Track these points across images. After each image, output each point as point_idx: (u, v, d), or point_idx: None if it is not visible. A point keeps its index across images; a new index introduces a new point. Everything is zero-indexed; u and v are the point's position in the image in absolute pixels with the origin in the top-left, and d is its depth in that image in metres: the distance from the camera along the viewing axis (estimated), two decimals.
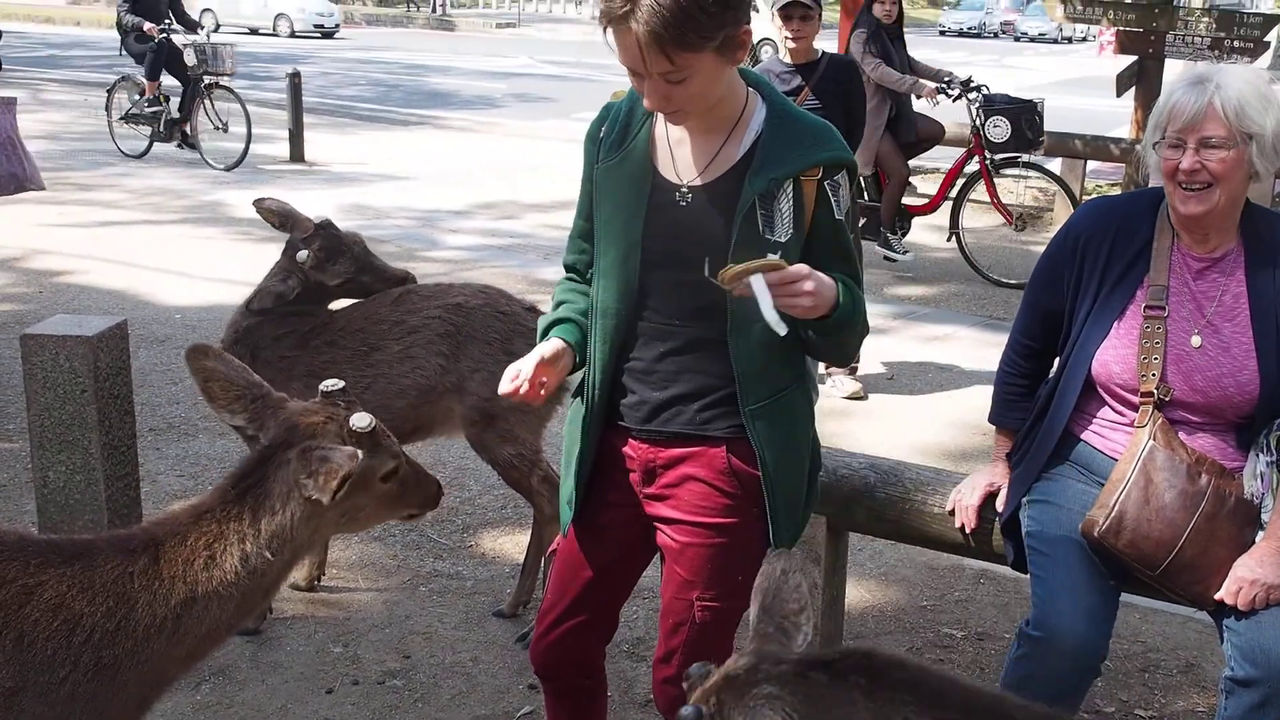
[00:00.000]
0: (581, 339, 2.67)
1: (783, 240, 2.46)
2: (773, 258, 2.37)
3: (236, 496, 2.41)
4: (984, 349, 7.47)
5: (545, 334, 2.67)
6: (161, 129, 13.11)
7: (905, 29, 9.87)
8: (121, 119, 13.48)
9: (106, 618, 2.25)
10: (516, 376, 2.52)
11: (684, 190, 2.51)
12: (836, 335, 2.53)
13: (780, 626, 1.88)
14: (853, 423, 6.30)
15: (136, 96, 13.28)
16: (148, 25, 12.79)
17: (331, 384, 2.58)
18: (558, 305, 2.75)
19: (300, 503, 2.39)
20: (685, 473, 2.61)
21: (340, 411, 2.51)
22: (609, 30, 2.32)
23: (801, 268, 2.36)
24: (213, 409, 2.61)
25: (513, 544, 4.86)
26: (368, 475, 2.50)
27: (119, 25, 13.23)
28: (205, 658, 2.53)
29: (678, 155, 2.54)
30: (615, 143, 2.57)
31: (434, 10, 45.70)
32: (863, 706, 1.70)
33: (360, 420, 2.47)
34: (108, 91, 13.85)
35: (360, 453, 2.39)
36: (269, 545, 2.39)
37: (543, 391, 2.55)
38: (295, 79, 13.57)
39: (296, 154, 13.67)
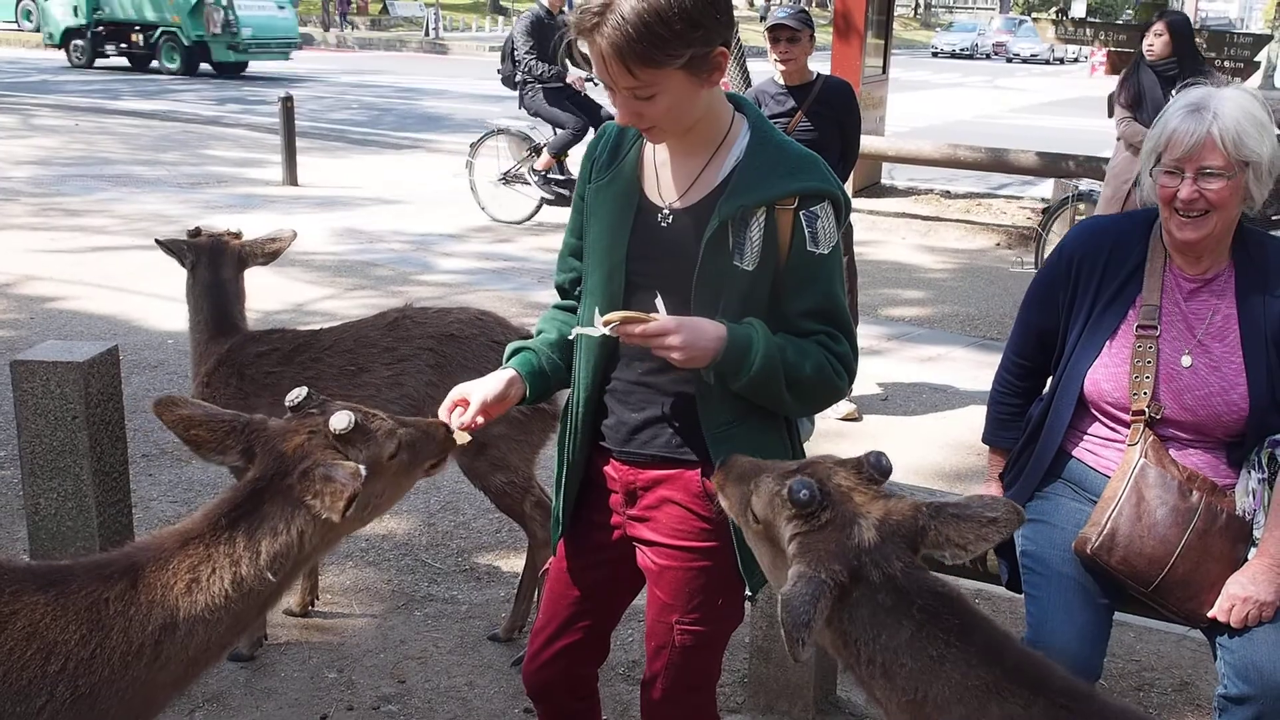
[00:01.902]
0: (538, 369, 2.67)
1: (750, 269, 2.44)
2: (653, 313, 2.39)
3: (228, 524, 2.35)
4: (978, 369, 7.48)
5: (508, 359, 2.71)
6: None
7: (896, 50, 9.78)
8: (501, 180, 11.76)
9: (80, 645, 2.21)
10: (453, 410, 2.59)
11: (665, 212, 2.51)
12: (749, 389, 2.44)
13: (957, 529, 2.09)
14: (847, 444, 6.30)
15: (525, 153, 11.59)
16: (574, 75, 11.01)
17: (295, 395, 2.47)
18: (536, 333, 2.78)
19: (308, 520, 2.35)
20: (663, 495, 2.60)
21: (318, 420, 2.42)
22: (579, 43, 2.33)
23: (668, 323, 2.35)
24: (203, 457, 2.50)
25: (507, 568, 4.85)
26: (375, 466, 2.44)
27: (519, 75, 11.20)
28: (196, 680, 2.48)
29: (662, 177, 2.54)
30: (606, 163, 2.59)
31: (427, 34, 45.86)
32: (907, 631, 2.01)
33: (339, 422, 2.38)
34: (472, 145, 12.04)
35: (363, 469, 2.34)
36: (270, 566, 2.33)
37: (479, 421, 2.58)
38: (288, 103, 13.57)
39: (289, 178, 13.67)
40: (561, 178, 11.52)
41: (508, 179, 11.80)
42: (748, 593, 2.66)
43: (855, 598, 2.02)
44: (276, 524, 2.35)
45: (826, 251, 2.46)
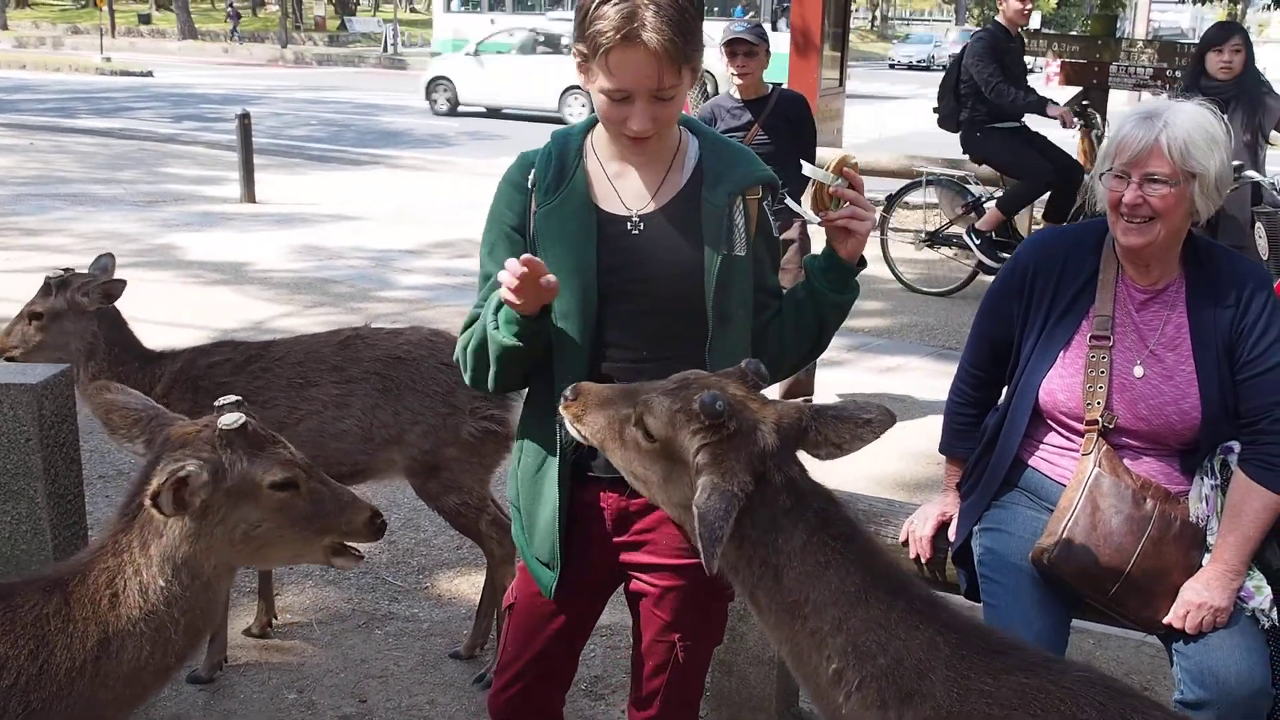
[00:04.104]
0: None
1: (741, 254, 2.51)
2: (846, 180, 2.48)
3: (125, 525, 2.31)
4: (936, 379, 7.52)
5: (495, 313, 2.47)
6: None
7: (854, 62, 9.61)
8: (926, 240, 9.91)
9: (30, 661, 2.20)
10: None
11: (635, 219, 2.52)
12: (850, 296, 2.60)
13: (835, 430, 2.23)
14: (805, 454, 6.29)
15: (961, 209, 9.52)
16: (1056, 108, 8.91)
17: (225, 399, 2.39)
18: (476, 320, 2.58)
19: (179, 520, 2.27)
20: (661, 515, 2.55)
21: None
22: (610, 54, 2.32)
23: (868, 204, 2.50)
24: (115, 440, 2.48)
25: (468, 585, 4.83)
26: (251, 484, 2.31)
27: (965, 112, 9.07)
28: (139, 702, 2.40)
29: (620, 187, 2.55)
30: (552, 185, 2.55)
31: (385, 50, 45.77)
32: (801, 536, 2.16)
33: (227, 419, 2.28)
34: (889, 198, 10.19)
35: (193, 464, 2.22)
36: (161, 571, 2.27)
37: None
38: (245, 120, 13.50)
39: (247, 195, 13.59)
40: (1007, 240, 9.27)
41: (936, 240, 9.84)
42: None
43: (757, 500, 2.14)
44: (158, 523, 2.29)
45: (780, 236, 2.66)
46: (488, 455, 4.15)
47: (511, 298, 2.34)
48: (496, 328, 2.49)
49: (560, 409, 2.34)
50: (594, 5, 2.35)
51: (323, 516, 2.41)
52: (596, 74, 2.38)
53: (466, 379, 2.64)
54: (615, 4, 2.31)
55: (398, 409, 4.03)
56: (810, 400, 2.32)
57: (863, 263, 2.58)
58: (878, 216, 2.43)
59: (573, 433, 2.34)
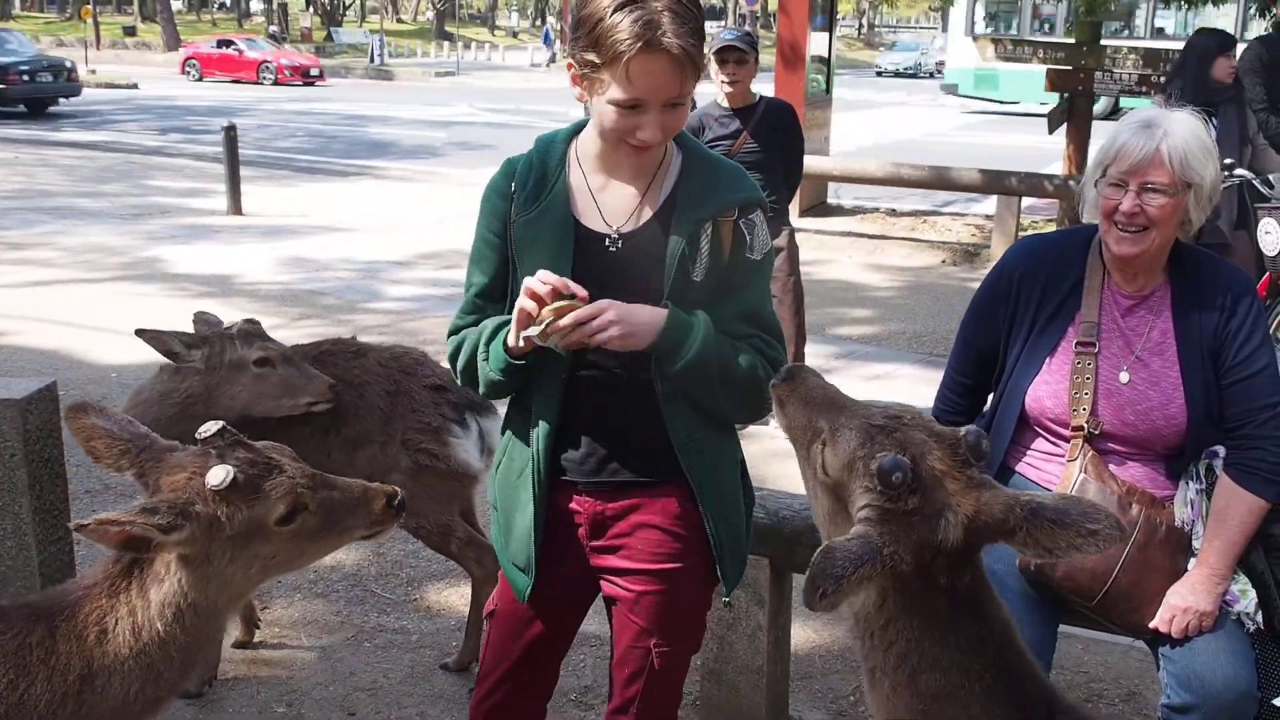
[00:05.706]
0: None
1: (699, 280, 2.46)
2: (561, 304, 2.33)
3: (122, 566, 2.27)
4: (925, 386, 7.51)
5: (493, 336, 2.51)
6: None
7: (841, 70, 9.63)
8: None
9: (10, 689, 2.17)
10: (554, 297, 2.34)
11: (613, 237, 2.49)
12: (686, 375, 2.44)
13: (1050, 536, 1.94)
14: (795, 464, 6.29)
15: None
16: None
17: (208, 428, 2.29)
18: (466, 329, 2.62)
19: (180, 565, 2.23)
20: (637, 521, 2.57)
21: (211, 462, 2.25)
22: (631, 63, 2.26)
23: (599, 304, 2.34)
24: (103, 468, 2.40)
25: (457, 596, 4.82)
26: (256, 526, 2.26)
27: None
28: None
29: (602, 203, 2.51)
30: (532, 195, 2.51)
31: (372, 60, 45.78)
32: (951, 652, 2.00)
33: (214, 478, 2.20)
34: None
35: (139, 522, 2.17)
36: (160, 615, 2.23)
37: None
38: (231, 131, 13.48)
39: (233, 207, 13.57)
40: None
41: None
42: (725, 599, 2.73)
43: (910, 594, 1.95)
44: (158, 567, 2.26)
45: (759, 257, 2.54)
46: (434, 486, 4.03)
47: (530, 306, 2.33)
48: (485, 359, 2.51)
49: (770, 384, 2.30)
50: (607, 14, 2.27)
51: (338, 522, 2.36)
52: (607, 84, 2.31)
53: (460, 383, 2.68)
54: (631, 11, 2.25)
55: (342, 431, 4.01)
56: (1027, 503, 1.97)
57: (677, 354, 2.41)
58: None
59: (775, 414, 2.28)
